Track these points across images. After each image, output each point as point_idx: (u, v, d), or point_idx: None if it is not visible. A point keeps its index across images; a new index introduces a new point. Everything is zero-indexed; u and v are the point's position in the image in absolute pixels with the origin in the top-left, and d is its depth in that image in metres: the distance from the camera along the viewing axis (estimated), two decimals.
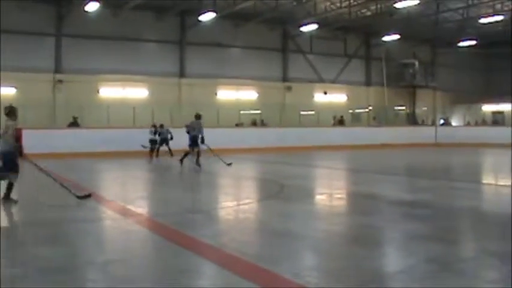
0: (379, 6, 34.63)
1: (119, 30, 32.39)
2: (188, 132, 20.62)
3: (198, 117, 21.05)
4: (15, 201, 11.12)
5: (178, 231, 8.26)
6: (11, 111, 11.73)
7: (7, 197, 11.08)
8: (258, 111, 35.50)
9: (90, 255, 6.97)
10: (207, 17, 30.53)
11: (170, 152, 26.19)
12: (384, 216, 10.02)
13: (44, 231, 8.50)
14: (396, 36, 37.68)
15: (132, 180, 12.56)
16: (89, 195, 11.56)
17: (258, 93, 37.42)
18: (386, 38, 38.46)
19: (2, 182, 11.29)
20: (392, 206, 11.07)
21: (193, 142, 20.40)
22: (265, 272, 5.93)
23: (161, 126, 26.34)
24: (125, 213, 10.14)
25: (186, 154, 20.99)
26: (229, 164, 20.67)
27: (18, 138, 11.41)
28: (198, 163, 20.18)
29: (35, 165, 11.79)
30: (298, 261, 6.55)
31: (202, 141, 20.34)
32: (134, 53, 33.16)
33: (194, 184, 12.92)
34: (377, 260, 6.64)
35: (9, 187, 11.18)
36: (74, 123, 28.98)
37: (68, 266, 6.33)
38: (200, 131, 20.42)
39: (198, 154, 20.42)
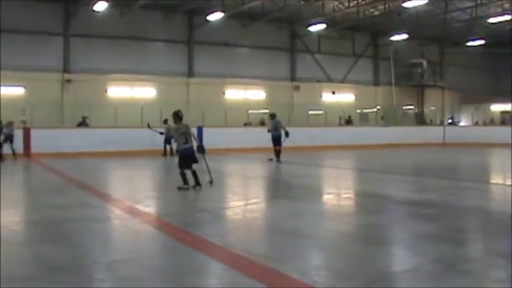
0: (387, 5, 34.56)
1: (127, 30, 32.50)
2: (269, 131, 22.52)
3: (272, 116, 22.93)
4: (211, 181, 13.48)
5: (186, 231, 8.26)
6: (179, 116, 13.04)
7: (198, 183, 12.80)
8: (266, 111, 35.44)
9: (97, 254, 6.96)
10: (215, 16, 30.56)
11: (171, 151, 26.04)
12: (391, 215, 10.01)
13: (51, 230, 8.54)
14: (404, 36, 37.62)
15: (140, 179, 12.58)
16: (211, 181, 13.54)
17: (266, 92, 37.46)
18: (394, 38, 38.41)
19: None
20: (400, 205, 11.03)
21: (275, 141, 22.20)
22: (272, 272, 5.91)
23: (165, 121, 26.14)
24: (133, 212, 10.15)
25: (277, 152, 22.28)
26: (270, 160, 22.35)
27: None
28: (278, 159, 21.85)
29: (205, 160, 13.49)
30: (306, 260, 6.54)
31: (287, 135, 21.93)
32: (142, 52, 33.26)
33: (202, 183, 12.93)
34: (384, 259, 6.64)
35: (195, 176, 12.86)
36: (83, 123, 29.07)
37: (74, 265, 6.33)
38: (279, 128, 22.24)
39: (279, 152, 22.11)
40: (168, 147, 26.13)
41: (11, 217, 10.14)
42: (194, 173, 12.83)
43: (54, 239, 7.81)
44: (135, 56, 32.83)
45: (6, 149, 24.15)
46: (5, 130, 24.38)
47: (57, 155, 24.81)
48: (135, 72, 32.70)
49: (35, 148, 25.50)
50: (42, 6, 30.38)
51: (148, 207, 11.03)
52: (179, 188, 12.63)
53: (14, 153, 24.23)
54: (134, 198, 11.80)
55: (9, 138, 24.39)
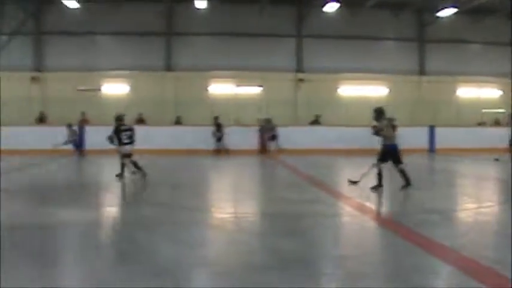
0: None
1: (357, 29, 32.66)
2: None
3: None
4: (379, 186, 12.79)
5: (414, 230, 8.22)
6: (382, 112, 13.20)
7: (408, 183, 12.70)
8: (502, 110, 33.68)
9: (328, 249, 7.27)
10: (446, 12, 29.63)
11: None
12: None
13: (285, 223, 9.00)
14: None
15: (371, 177, 12.70)
16: (356, 182, 13.33)
17: (501, 90, 35.60)
18: None
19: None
20: None
21: None
22: (504, 279, 5.75)
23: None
24: (362, 209, 10.32)
25: None
26: (496, 160, 21.90)
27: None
28: None
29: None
30: None
31: None
32: (372, 51, 33.24)
33: (432, 183, 12.76)
34: None
35: (403, 174, 12.79)
36: (316, 122, 29.88)
37: (306, 258, 6.66)
38: None
39: None
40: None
41: (249, 208, 10.89)
42: (402, 172, 12.73)
43: (289, 231, 8.24)
44: (365, 55, 32.95)
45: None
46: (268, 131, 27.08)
47: (291, 151, 25.89)
48: (365, 71, 32.81)
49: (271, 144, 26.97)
50: (276, 10, 31.70)
51: (378, 205, 11.16)
52: (362, 186, 12.63)
53: (280, 149, 26.29)
54: (364, 196, 11.94)
55: (275, 137, 26.70)
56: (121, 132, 15.09)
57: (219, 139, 26.80)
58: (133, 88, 31.34)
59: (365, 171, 13.30)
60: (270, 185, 15.90)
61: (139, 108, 29.38)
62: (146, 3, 30.83)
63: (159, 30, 31.52)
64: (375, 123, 12.96)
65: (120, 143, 15.07)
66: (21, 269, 6.16)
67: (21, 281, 5.67)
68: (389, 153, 12.82)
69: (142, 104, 29.74)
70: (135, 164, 15.17)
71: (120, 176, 15.03)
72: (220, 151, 26.62)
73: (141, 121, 28.96)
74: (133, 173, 15.12)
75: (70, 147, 25.40)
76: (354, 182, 13.40)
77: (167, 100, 30.80)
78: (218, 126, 26.87)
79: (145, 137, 26.11)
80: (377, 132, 12.86)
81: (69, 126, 25.36)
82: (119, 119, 15.34)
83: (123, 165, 15.17)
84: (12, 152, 24.76)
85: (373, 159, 13.19)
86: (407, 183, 12.59)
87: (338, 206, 11.00)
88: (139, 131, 26.18)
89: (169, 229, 8.37)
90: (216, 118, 27.05)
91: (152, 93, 30.52)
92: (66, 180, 17.03)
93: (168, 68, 31.61)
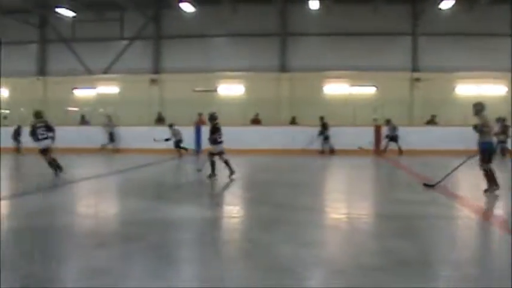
0: None
1: (474, 26, 31.62)
2: None
3: None
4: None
5: None
6: (482, 108, 12.48)
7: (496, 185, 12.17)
8: None
9: (443, 251, 7.20)
10: None
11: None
12: None
13: (400, 225, 8.93)
14: None
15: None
16: (432, 185, 13.00)
17: None
18: None
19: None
20: None
21: None
22: None
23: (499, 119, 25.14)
24: (480, 212, 10.12)
25: None
26: None
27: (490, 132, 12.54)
28: None
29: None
30: None
31: None
32: (490, 48, 31.98)
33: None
34: None
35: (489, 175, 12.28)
36: (432, 121, 29.34)
37: (421, 260, 6.63)
38: None
39: None
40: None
41: (364, 209, 10.92)
42: (486, 171, 12.25)
43: (404, 233, 8.21)
44: (482, 52, 31.79)
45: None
46: (388, 131, 27.27)
47: (406, 152, 25.70)
48: (483, 69, 31.75)
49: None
50: (390, 8, 31.36)
51: (497, 208, 10.90)
52: (479, 187, 12.21)
53: (400, 150, 26.46)
54: (481, 198, 11.67)
55: (395, 138, 26.91)
56: (216, 131, 15.31)
57: (325, 139, 26.91)
58: (248, 89, 31.99)
59: (447, 173, 13.10)
60: (385, 186, 15.83)
61: (254, 108, 29.99)
62: (260, 4, 31.36)
63: (273, 31, 32.00)
64: (476, 120, 12.46)
65: (215, 141, 15.29)
66: (140, 264, 6.52)
67: (141, 278, 6.00)
68: (483, 152, 12.31)
69: (257, 105, 30.31)
70: (226, 163, 15.33)
71: (212, 175, 15.24)
72: (329, 151, 26.80)
73: (256, 121, 29.54)
74: (199, 170, 15.93)
75: (174, 146, 25.89)
76: (431, 186, 13.09)
77: (282, 100, 31.27)
78: (324, 126, 26.94)
79: (261, 137, 26.79)
80: (481, 129, 12.29)
81: (171, 126, 25.89)
82: (214, 118, 15.54)
83: (213, 163, 15.36)
84: (133, 151, 25.93)
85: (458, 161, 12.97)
86: (490, 185, 12.13)
87: (455, 208, 10.82)
88: (256, 131, 27.10)
89: (285, 228, 8.52)
90: (322, 118, 27.16)
91: (267, 94, 31.05)
92: (184, 178, 17.71)
93: (283, 68, 32.01)
